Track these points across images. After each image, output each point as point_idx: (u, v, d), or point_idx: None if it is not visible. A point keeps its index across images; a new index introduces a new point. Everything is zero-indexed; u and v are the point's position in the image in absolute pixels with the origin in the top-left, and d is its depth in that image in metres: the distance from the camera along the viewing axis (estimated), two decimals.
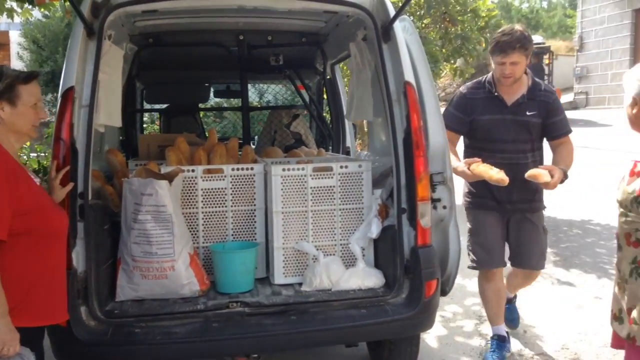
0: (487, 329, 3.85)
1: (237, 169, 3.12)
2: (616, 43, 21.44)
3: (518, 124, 3.31)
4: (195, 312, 2.67)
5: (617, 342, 2.64)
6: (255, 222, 3.14)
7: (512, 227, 3.44)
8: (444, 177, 2.92)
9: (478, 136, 3.40)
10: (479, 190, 3.39)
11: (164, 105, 6.22)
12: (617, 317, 2.55)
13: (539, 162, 3.38)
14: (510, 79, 3.24)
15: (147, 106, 6.16)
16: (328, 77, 4.83)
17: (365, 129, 7.93)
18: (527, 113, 3.29)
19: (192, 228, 3.04)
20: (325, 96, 5.21)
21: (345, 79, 6.56)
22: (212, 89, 6.14)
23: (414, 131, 2.80)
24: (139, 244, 2.77)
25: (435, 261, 2.80)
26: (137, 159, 3.99)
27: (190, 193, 3.05)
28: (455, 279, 3.08)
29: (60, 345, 2.59)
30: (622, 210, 2.50)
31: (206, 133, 5.90)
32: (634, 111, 2.42)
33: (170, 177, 2.82)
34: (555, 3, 39.49)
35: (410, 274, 2.78)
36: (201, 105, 6.52)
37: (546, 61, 19.24)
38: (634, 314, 2.42)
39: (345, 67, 7.00)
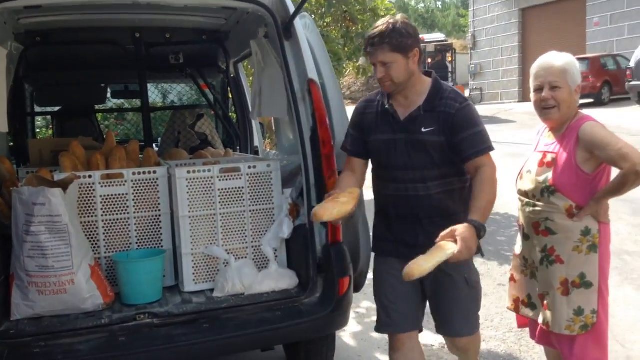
0: None
1: (139, 173, 2.96)
2: (506, 41, 22.75)
3: (412, 145, 2.47)
4: (99, 327, 2.52)
5: (522, 321, 2.77)
6: (160, 228, 3.00)
7: (426, 280, 2.46)
8: None
9: (372, 162, 2.66)
10: (378, 228, 2.68)
11: (57, 108, 5.86)
12: (528, 303, 2.66)
13: (458, 192, 2.52)
14: (387, 83, 2.45)
15: (38, 110, 5.77)
16: (232, 75, 4.73)
17: (274, 128, 7.88)
18: (423, 130, 2.44)
19: (92, 238, 2.86)
20: (230, 95, 5.11)
21: (250, 78, 6.47)
22: (109, 90, 5.85)
23: (320, 129, 2.78)
24: (33, 258, 2.57)
25: (347, 258, 2.80)
26: (28, 166, 3.72)
27: (88, 200, 2.87)
28: (367, 274, 3.11)
29: None
30: (528, 200, 2.58)
31: (105, 136, 5.62)
32: (576, 97, 2.50)
33: (64, 185, 2.63)
34: (449, 3, 41.39)
35: (324, 272, 2.76)
36: (98, 107, 6.20)
37: (449, 58, 19.97)
38: (547, 300, 2.53)
39: (247, 65, 6.91)
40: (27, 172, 3.26)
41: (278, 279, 2.88)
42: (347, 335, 3.87)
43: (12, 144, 4.38)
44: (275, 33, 2.92)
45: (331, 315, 2.71)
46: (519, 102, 21.14)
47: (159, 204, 2.99)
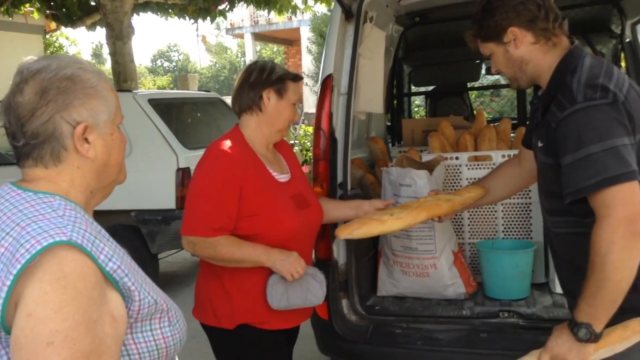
0: None
1: (508, 156, 2.70)
2: None
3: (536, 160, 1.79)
4: (460, 318, 2.39)
5: None
6: (530, 217, 2.69)
7: None
8: None
9: None
10: None
11: (430, 88, 5.98)
12: None
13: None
14: (509, 81, 1.82)
15: (414, 89, 5.99)
16: (627, 40, 4.00)
17: None
18: (539, 143, 1.69)
19: (456, 223, 2.74)
20: (623, 64, 4.35)
21: None
22: (483, 66, 5.68)
23: None
24: (398, 238, 2.58)
25: None
26: (402, 144, 3.82)
27: (455, 183, 2.75)
28: None
29: (322, 338, 2.54)
30: None
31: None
32: None
33: (430, 167, 2.55)
34: None
35: None
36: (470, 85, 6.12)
37: None
38: None
39: None
40: (400, 151, 3.33)
41: None
42: None
43: (389, 123, 4.60)
44: None
45: None
46: None
47: (529, 190, 2.67)
